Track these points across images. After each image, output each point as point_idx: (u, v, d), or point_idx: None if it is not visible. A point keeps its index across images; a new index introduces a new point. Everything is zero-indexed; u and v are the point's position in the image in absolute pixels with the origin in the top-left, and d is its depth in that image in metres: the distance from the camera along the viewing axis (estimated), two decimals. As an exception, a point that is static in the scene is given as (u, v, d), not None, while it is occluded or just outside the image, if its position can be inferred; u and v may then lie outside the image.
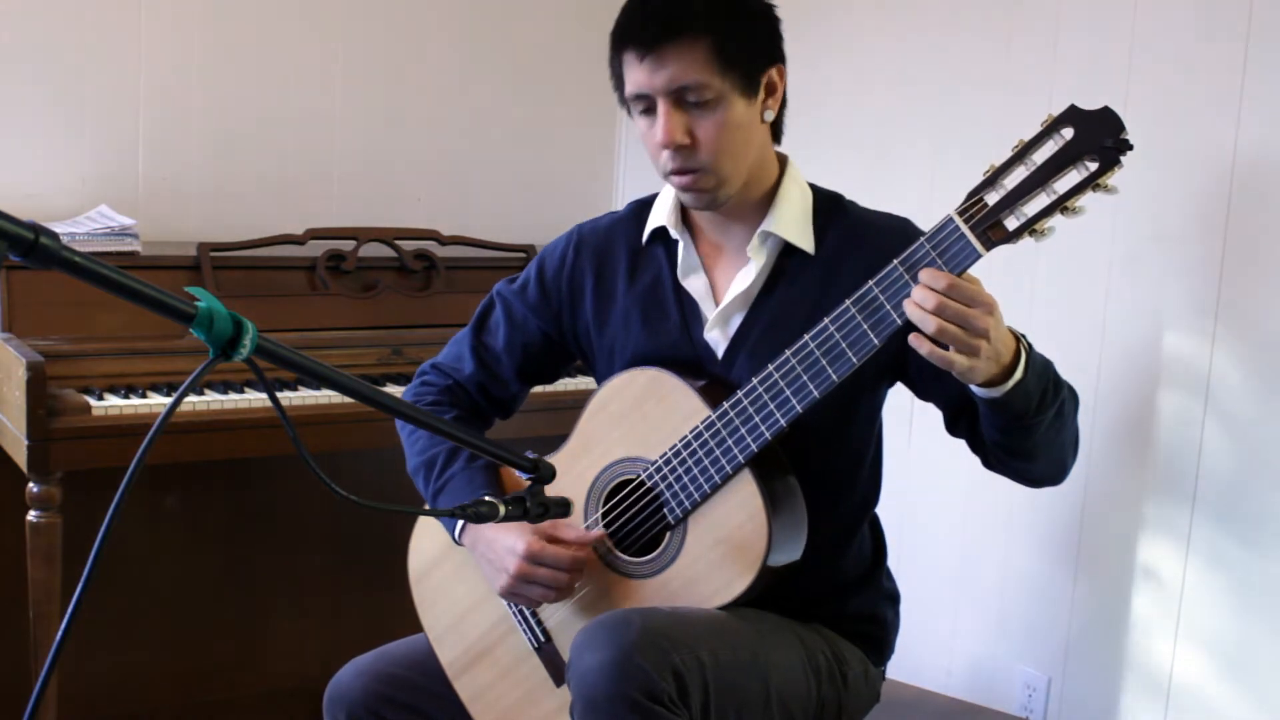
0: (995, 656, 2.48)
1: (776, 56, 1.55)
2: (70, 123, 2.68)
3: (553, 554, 1.54)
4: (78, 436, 2.12)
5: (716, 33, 1.47)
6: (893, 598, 1.73)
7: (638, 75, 1.50)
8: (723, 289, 1.62)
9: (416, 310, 2.72)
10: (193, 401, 2.25)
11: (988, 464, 1.57)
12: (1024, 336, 1.41)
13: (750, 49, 1.51)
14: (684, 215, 1.65)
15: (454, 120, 3.15)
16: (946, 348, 1.31)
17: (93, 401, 2.17)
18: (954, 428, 1.60)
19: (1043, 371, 1.41)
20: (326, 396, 2.35)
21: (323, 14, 2.95)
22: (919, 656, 2.50)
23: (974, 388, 1.39)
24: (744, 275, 1.59)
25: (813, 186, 1.64)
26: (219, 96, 2.83)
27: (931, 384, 1.56)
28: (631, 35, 1.50)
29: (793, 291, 1.56)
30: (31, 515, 2.11)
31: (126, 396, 2.22)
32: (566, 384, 2.56)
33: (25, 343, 2.20)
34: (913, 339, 1.33)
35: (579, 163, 3.35)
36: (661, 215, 1.65)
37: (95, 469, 2.11)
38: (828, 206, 1.61)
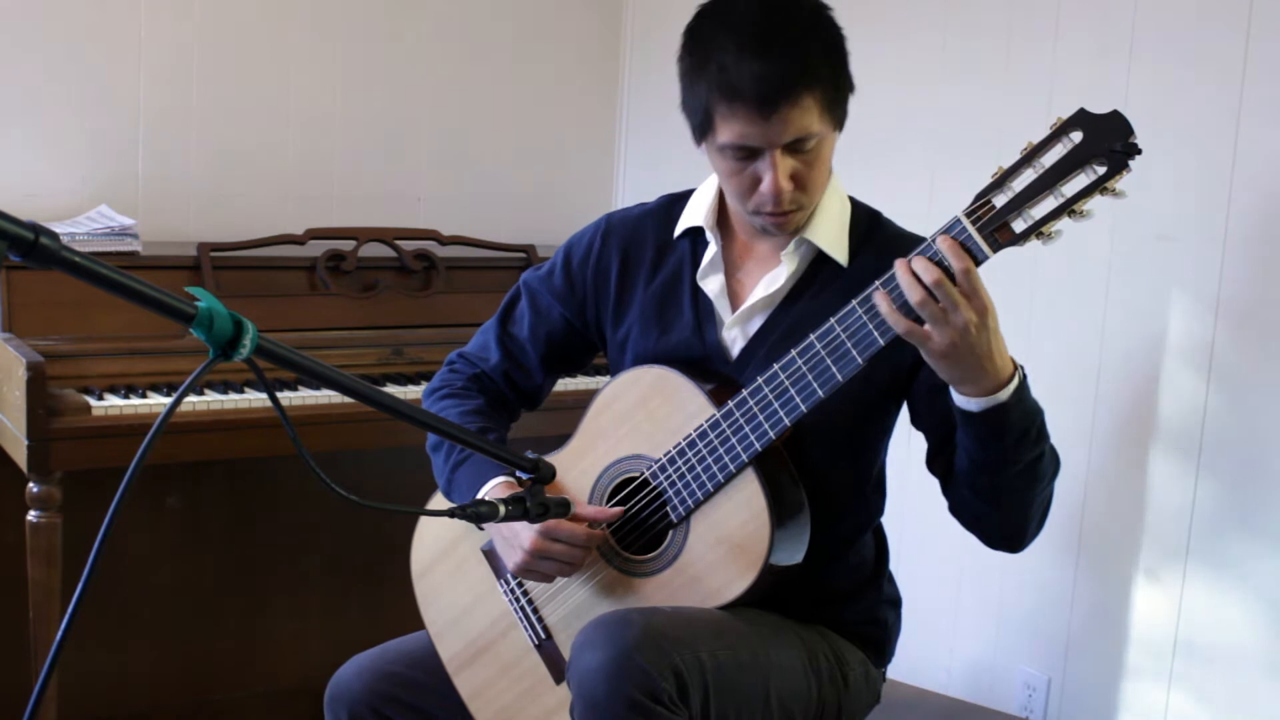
0: (995, 656, 2.48)
1: (852, 84, 1.53)
2: (70, 123, 2.68)
3: (568, 530, 1.54)
4: (78, 436, 2.12)
5: (826, 81, 1.46)
6: (894, 602, 1.73)
7: (749, 130, 1.44)
8: (747, 291, 1.61)
9: (416, 310, 2.72)
10: (193, 401, 2.25)
11: (953, 507, 1.59)
12: (1023, 369, 1.42)
13: (846, 87, 1.51)
14: (720, 215, 1.64)
15: (454, 121, 3.15)
16: (923, 324, 1.34)
17: (93, 401, 2.17)
18: (933, 461, 1.61)
19: (1030, 412, 1.43)
20: (326, 396, 2.35)
21: (323, 14, 2.95)
22: (919, 657, 2.50)
23: (955, 394, 1.40)
24: (772, 278, 1.58)
25: (852, 200, 1.63)
26: (219, 97, 2.83)
27: (926, 405, 1.56)
28: (746, 93, 1.42)
29: (818, 301, 1.55)
30: (31, 515, 2.11)
31: (126, 396, 2.22)
32: (567, 384, 2.56)
33: (25, 343, 2.20)
34: (888, 314, 1.36)
35: (579, 162, 3.35)
36: (698, 215, 1.64)
37: (95, 469, 2.11)
38: (865, 222, 1.61)
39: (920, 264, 1.34)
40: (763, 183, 1.48)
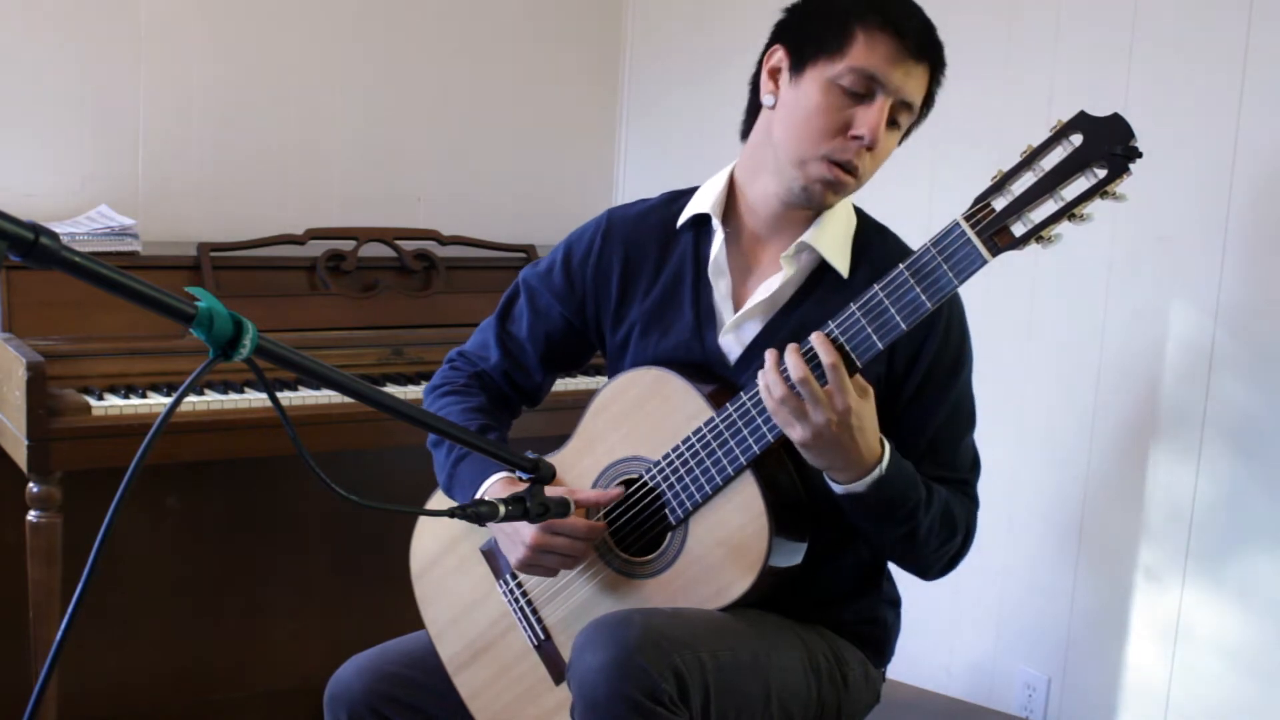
0: (995, 656, 2.48)
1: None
2: (70, 123, 2.68)
3: (570, 523, 1.54)
4: (78, 436, 2.12)
5: (939, 70, 1.53)
6: (894, 602, 1.73)
7: (887, 67, 1.46)
8: (746, 294, 1.61)
9: (416, 310, 2.72)
10: (193, 401, 2.25)
11: None
12: (890, 459, 1.45)
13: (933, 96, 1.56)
14: (727, 208, 1.63)
15: (454, 120, 3.15)
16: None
17: (93, 401, 2.17)
18: None
19: (893, 500, 1.46)
20: (326, 396, 2.35)
21: (323, 15, 2.95)
22: (919, 657, 2.50)
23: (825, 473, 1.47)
24: (771, 283, 1.58)
25: (859, 211, 1.63)
26: (219, 97, 2.83)
27: (892, 425, 1.55)
28: (909, 30, 1.47)
29: (818, 310, 1.53)
30: (31, 515, 2.11)
31: (126, 396, 2.22)
32: (567, 384, 2.56)
33: (25, 343, 2.20)
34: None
35: (579, 163, 3.35)
36: (706, 202, 1.63)
37: (95, 469, 2.11)
38: (870, 234, 1.61)
39: (790, 358, 1.39)
40: (854, 125, 1.48)
